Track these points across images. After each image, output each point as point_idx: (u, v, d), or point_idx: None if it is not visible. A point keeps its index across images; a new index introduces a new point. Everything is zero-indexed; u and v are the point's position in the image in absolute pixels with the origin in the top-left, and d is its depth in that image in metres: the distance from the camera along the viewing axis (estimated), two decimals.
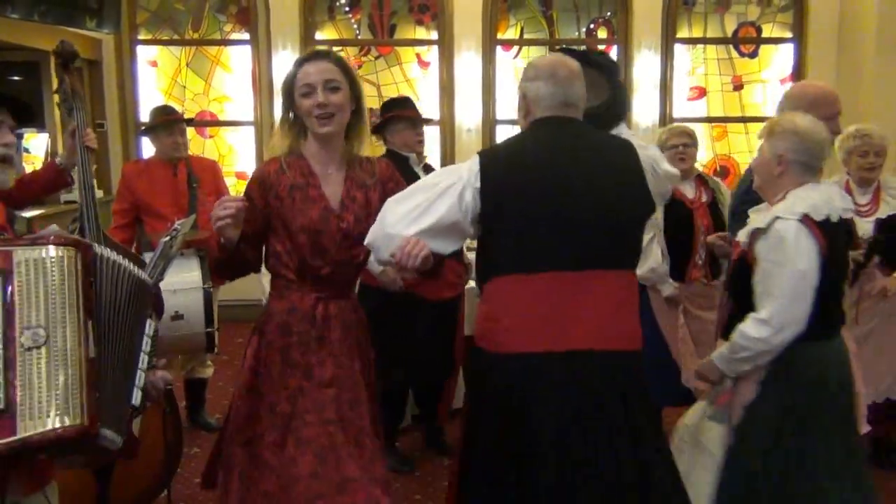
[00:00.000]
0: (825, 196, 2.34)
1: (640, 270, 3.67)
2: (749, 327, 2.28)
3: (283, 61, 6.60)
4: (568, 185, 2.07)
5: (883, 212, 3.48)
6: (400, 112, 3.85)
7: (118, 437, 1.58)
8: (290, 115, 2.31)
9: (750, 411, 2.37)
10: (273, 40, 6.62)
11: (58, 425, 1.45)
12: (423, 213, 2.07)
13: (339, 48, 6.82)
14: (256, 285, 5.17)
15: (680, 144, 3.72)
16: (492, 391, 2.10)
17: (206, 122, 6.89)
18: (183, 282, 3.72)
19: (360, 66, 6.84)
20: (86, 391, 1.49)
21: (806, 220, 2.26)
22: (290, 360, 2.27)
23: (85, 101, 3.22)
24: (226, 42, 6.83)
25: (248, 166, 6.90)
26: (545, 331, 2.04)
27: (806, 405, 2.32)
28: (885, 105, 6.41)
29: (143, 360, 1.75)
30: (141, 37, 6.77)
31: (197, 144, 6.79)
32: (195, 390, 4.40)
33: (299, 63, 2.27)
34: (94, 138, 3.19)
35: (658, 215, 3.63)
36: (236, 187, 6.81)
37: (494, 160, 2.15)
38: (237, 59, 6.85)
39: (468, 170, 2.10)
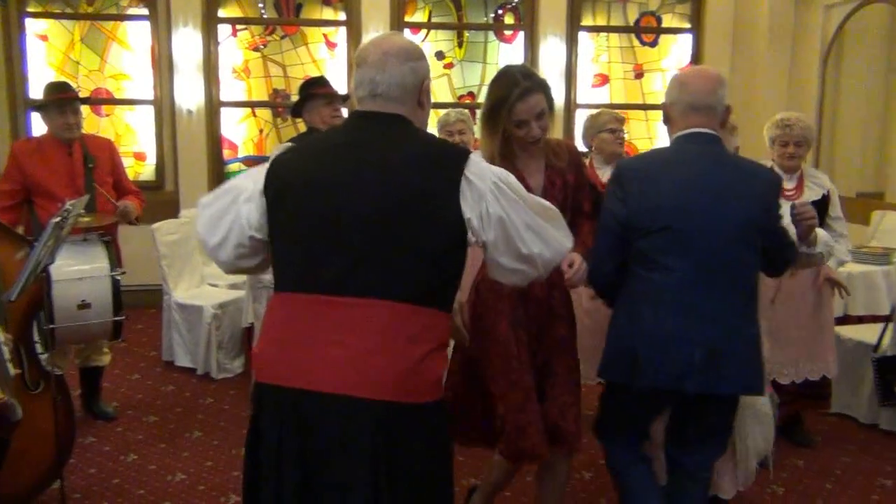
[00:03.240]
0: None
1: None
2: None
3: (184, 39, 6.39)
4: (342, 192, 1.75)
5: (807, 197, 3.60)
6: (316, 90, 3.82)
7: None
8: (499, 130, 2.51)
9: None
10: (174, 17, 6.39)
11: None
12: (214, 227, 1.89)
13: (243, 27, 6.67)
14: (156, 270, 5.03)
15: (618, 129, 3.77)
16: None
17: (102, 101, 6.60)
18: (89, 269, 3.58)
19: (265, 46, 6.70)
20: None
21: None
22: None
23: None
24: (123, 17, 6.56)
25: (148, 147, 6.67)
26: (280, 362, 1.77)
27: None
28: (776, 92, 6.74)
29: None
30: (30, 9, 6.41)
31: (92, 123, 6.49)
32: (91, 379, 4.24)
33: (516, 98, 2.47)
34: None
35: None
36: (134, 168, 6.58)
37: (284, 158, 1.87)
38: (135, 36, 6.58)
39: (258, 171, 1.86)
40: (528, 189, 2.10)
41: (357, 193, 1.73)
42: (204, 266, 5.54)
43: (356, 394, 1.67)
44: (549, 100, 2.55)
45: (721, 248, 2.27)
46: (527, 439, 2.45)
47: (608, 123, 3.76)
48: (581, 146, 3.98)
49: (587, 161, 3.81)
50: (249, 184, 1.85)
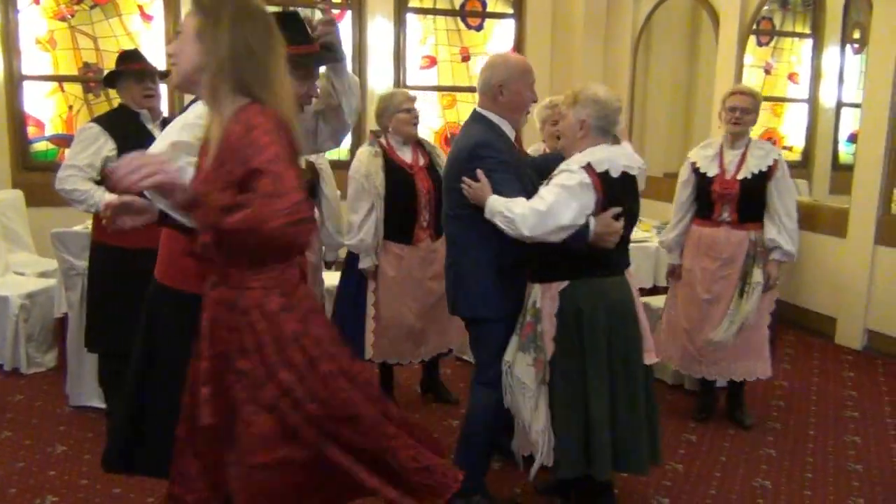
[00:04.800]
0: (609, 154, 2.70)
1: (350, 241, 3.78)
2: (522, 207, 2.62)
3: None
4: None
5: None
6: (126, 66, 3.58)
7: None
8: None
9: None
10: None
11: None
12: None
13: None
14: None
15: (413, 108, 3.81)
16: None
17: None
18: None
19: (72, 16, 6.23)
20: None
21: (588, 166, 2.64)
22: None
23: None
24: None
25: None
26: None
27: (578, 332, 2.70)
28: (591, 74, 7.13)
29: None
30: None
31: None
32: None
33: None
34: None
35: (378, 183, 3.72)
36: None
37: None
38: None
39: None
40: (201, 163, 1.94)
41: None
42: (9, 253, 5.12)
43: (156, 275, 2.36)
44: (207, 14, 1.83)
45: (446, 189, 2.95)
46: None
47: (404, 104, 3.80)
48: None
49: (384, 141, 3.83)
50: None
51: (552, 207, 2.58)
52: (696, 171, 3.88)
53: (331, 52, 2.52)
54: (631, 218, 2.80)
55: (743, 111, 3.75)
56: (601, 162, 2.65)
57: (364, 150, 3.82)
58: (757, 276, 3.76)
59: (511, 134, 2.98)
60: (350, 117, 2.67)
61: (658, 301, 4.50)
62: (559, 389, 2.73)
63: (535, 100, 2.99)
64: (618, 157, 2.70)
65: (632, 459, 2.76)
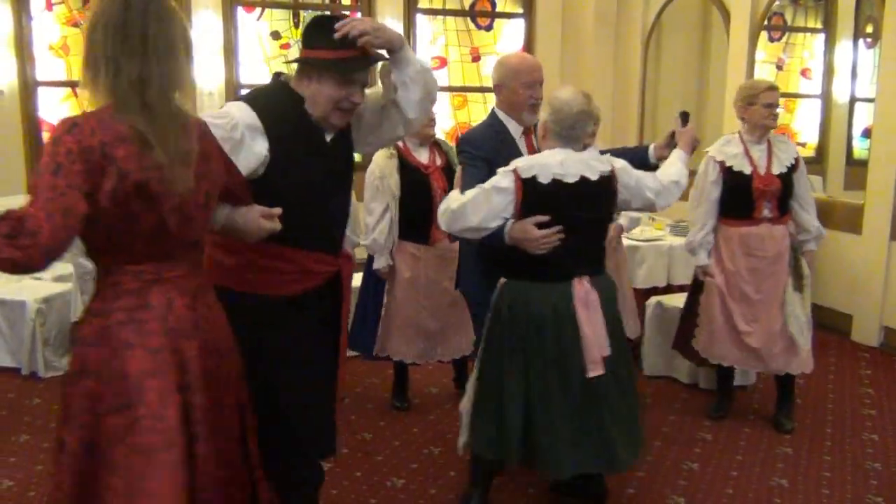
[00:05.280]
0: (545, 160, 2.66)
1: (365, 241, 3.82)
2: (446, 203, 2.74)
3: None
4: None
5: None
6: None
7: None
8: None
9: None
10: None
11: None
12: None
13: (59, 0, 6.21)
14: None
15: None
16: None
17: None
18: None
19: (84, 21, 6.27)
20: None
21: (514, 171, 2.64)
22: None
23: None
24: None
25: None
26: None
27: (500, 330, 2.78)
28: (602, 73, 7.12)
29: None
30: None
31: None
32: None
33: None
34: None
35: (392, 184, 3.75)
36: None
37: None
38: None
39: None
40: None
41: None
42: None
43: None
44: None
45: None
46: None
47: None
48: None
49: (400, 143, 3.83)
50: None
51: (463, 208, 2.66)
52: (727, 169, 3.76)
53: (369, 57, 2.27)
54: (587, 226, 2.73)
55: (777, 106, 3.75)
56: (530, 167, 2.62)
57: (379, 152, 3.84)
58: (805, 267, 3.82)
59: (517, 131, 3.03)
60: (411, 111, 2.39)
61: (672, 300, 4.48)
62: (480, 370, 2.85)
63: (534, 97, 2.98)
64: (552, 165, 2.62)
65: (545, 460, 2.69)
